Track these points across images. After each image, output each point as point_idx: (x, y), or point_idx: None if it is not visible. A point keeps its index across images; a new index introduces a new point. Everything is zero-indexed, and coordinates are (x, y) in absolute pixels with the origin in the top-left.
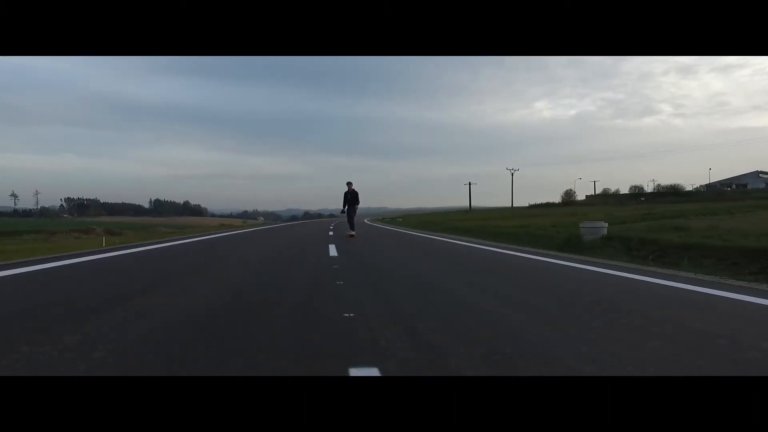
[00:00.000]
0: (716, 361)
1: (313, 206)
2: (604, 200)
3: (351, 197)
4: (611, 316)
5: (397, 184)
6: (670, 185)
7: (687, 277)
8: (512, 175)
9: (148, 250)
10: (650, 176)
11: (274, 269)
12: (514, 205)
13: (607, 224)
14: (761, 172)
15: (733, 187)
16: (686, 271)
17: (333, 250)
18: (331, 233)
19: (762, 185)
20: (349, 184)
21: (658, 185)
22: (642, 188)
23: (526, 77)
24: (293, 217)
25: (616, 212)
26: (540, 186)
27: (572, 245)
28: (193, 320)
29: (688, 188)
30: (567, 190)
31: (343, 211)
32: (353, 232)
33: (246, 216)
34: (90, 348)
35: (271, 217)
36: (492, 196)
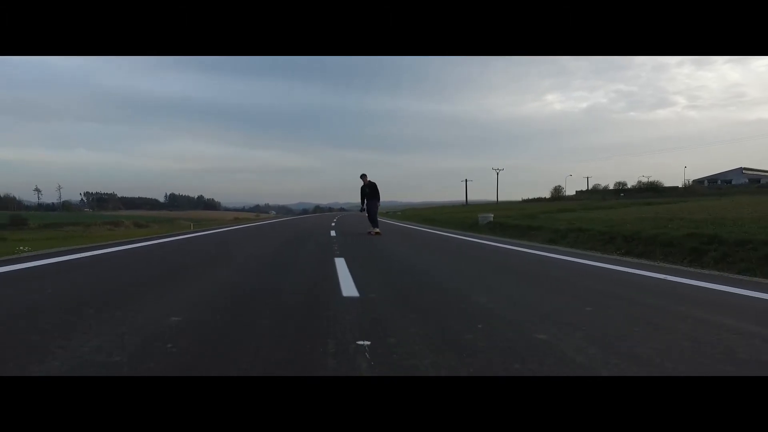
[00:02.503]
0: (474, 260)
1: (324, 200)
2: (589, 196)
3: (369, 191)
4: (446, 249)
5: (408, 177)
6: (650, 182)
7: (500, 239)
8: (497, 174)
9: (226, 231)
10: (657, 169)
11: (302, 232)
12: (510, 200)
13: (492, 215)
14: (745, 169)
15: (719, 182)
16: (503, 237)
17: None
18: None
19: (745, 181)
20: (363, 176)
21: (639, 182)
22: (625, 184)
23: (537, 69)
24: (304, 211)
25: (552, 206)
26: (546, 180)
27: (472, 227)
28: (281, 244)
29: (668, 184)
30: (556, 186)
31: (362, 209)
32: (377, 229)
33: (258, 210)
34: (273, 240)
35: (283, 210)
36: (500, 187)
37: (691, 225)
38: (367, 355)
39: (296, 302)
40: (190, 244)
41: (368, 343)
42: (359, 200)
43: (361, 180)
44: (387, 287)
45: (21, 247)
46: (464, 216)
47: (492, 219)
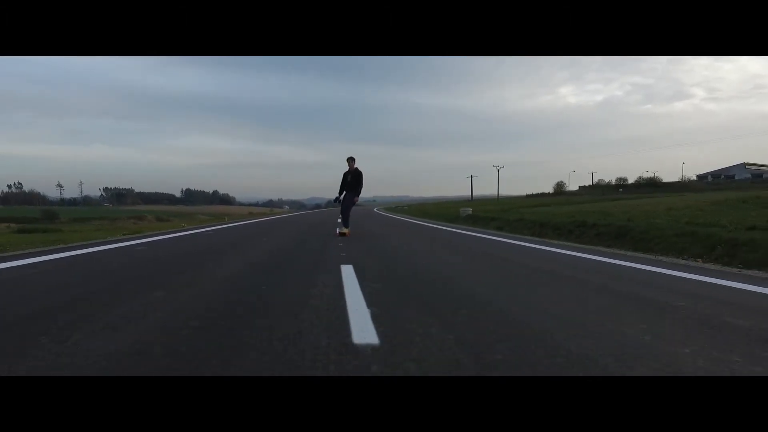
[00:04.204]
0: (442, 243)
1: (336, 194)
2: (590, 191)
3: (351, 179)
4: (430, 237)
5: (420, 172)
6: (649, 178)
7: (462, 227)
8: (498, 171)
9: (271, 219)
10: (670, 162)
11: (311, 222)
12: (514, 195)
13: (471, 209)
14: (748, 164)
15: (722, 178)
16: (470, 226)
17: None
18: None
19: (747, 176)
20: (350, 160)
21: (640, 177)
22: (626, 180)
23: (551, 61)
24: (317, 206)
25: (534, 202)
26: (556, 174)
27: (455, 219)
28: (304, 226)
29: (666, 180)
30: (558, 182)
31: (338, 199)
32: (346, 230)
33: (272, 204)
34: (305, 222)
35: (296, 205)
36: (508, 182)
37: (594, 216)
38: (342, 245)
39: (319, 237)
40: (253, 225)
41: (345, 254)
42: (370, 196)
43: (347, 164)
44: (359, 239)
45: (183, 224)
46: (453, 211)
47: (470, 212)
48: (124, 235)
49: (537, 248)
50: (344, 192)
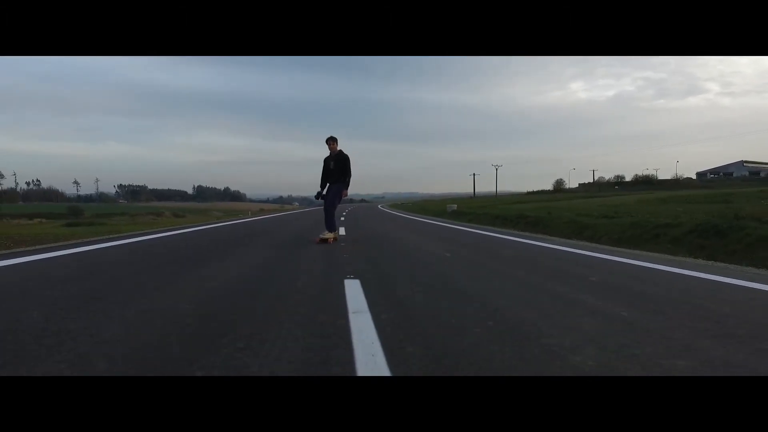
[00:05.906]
0: (433, 235)
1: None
2: (588, 188)
3: (334, 166)
4: (418, 229)
5: (427, 168)
6: (645, 175)
7: (441, 219)
8: (497, 170)
9: (282, 215)
10: (675, 159)
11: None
12: (515, 192)
13: (456, 205)
14: (746, 161)
15: (721, 175)
16: (449, 219)
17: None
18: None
19: (745, 173)
20: (330, 141)
21: (636, 175)
22: (623, 177)
23: (560, 57)
24: None
25: (522, 198)
26: (562, 171)
27: (442, 214)
28: (313, 221)
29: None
30: (558, 180)
31: (320, 195)
32: (330, 234)
33: (281, 201)
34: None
35: (305, 202)
36: (514, 180)
37: (534, 211)
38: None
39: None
40: (287, 216)
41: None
42: (379, 193)
43: (327, 147)
44: (356, 226)
45: (217, 215)
46: (444, 207)
47: (456, 208)
48: (216, 219)
49: (468, 230)
50: (327, 184)
